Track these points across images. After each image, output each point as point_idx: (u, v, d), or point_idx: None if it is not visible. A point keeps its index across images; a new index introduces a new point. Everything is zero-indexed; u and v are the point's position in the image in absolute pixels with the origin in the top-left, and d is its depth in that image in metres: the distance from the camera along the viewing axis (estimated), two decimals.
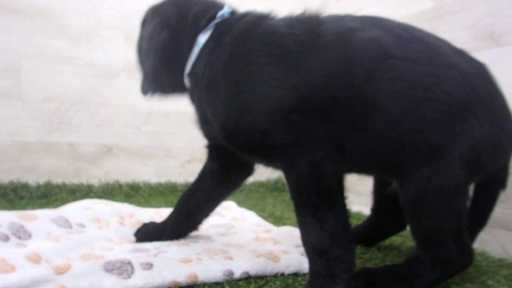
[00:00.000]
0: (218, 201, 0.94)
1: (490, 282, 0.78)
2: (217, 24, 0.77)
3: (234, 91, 0.69)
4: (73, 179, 1.50)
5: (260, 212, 1.32)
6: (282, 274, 0.78)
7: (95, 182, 1.53)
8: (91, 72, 1.52)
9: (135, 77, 1.58)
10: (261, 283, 0.73)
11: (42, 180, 1.44)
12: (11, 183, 1.38)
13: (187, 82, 0.81)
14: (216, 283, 0.72)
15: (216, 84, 0.71)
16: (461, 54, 0.75)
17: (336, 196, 0.68)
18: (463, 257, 0.73)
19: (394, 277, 0.72)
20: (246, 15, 0.77)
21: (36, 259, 0.70)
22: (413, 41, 0.70)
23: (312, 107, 0.67)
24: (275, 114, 0.66)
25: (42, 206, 1.28)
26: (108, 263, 0.69)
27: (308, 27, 0.70)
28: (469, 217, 0.81)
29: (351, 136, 0.69)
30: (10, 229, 0.77)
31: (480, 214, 0.83)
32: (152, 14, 0.85)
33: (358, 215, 1.33)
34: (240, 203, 1.39)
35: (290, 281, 0.75)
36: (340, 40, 0.68)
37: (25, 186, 1.39)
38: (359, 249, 0.96)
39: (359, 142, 0.69)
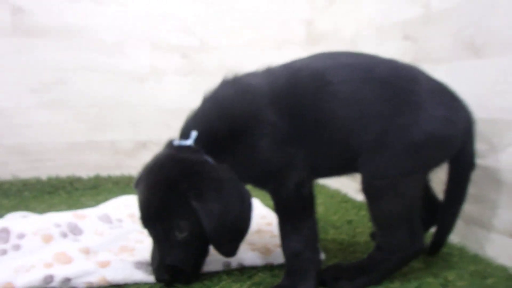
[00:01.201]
0: None
1: (451, 277, 0.90)
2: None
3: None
4: (115, 171, 1.78)
5: (267, 200, 1.50)
6: (272, 265, 0.98)
7: (134, 172, 1.79)
8: (124, 78, 1.75)
9: (161, 81, 1.81)
10: (253, 272, 0.93)
11: (91, 173, 1.73)
12: (68, 177, 1.68)
13: None
14: (217, 272, 0.93)
15: None
16: (392, 64, 0.90)
17: (310, 209, 0.87)
18: (414, 244, 0.85)
19: (357, 270, 0.87)
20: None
21: (86, 251, 0.94)
22: (346, 65, 0.87)
23: (290, 137, 0.85)
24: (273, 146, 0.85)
25: (92, 196, 1.57)
26: (138, 263, 0.91)
27: (266, 79, 0.88)
28: (445, 201, 0.95)
29: (318, 153, 0.87)
30: (68, 227, 1.03)
31: (454, 197, 0.94)
32: (206, 185, 0.80)
33: (360, 204, 1.48)
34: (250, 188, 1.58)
35: (276, 271, 0.94)
36: (291, 81, 0.87)
37: (79, 180, 1.68)
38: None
39: (324, 155, 0.87)
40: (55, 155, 1.68)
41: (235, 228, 0.81)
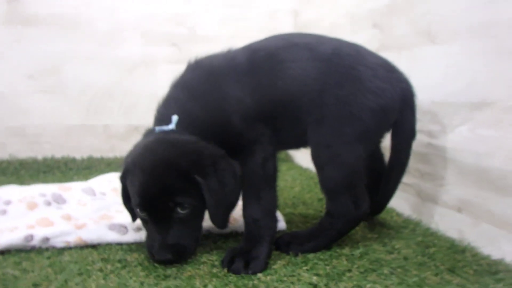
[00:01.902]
0: None
1: (398, 245, 0.98)
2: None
3: None
4: (109, 154, 1.88)
5: None
6: (237, 232, 1.07)
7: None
8: (116, 66, 1.85)
9: (152, 69, 1.90)
10: (217, 238, 1.03)
11: (85, 155, 1.84)
12: (63, 158, 1.79)
13: None
14: None
15: None
16: (336, 43, 0.97)
17: (272, 181, 0.95)
18: (358, 209, 0.92)
19: (307, 236, 0.95)
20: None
21: (67, 218, 1.05)
22: (295, 44, 0.95)
23: (256, 114, 0.93)
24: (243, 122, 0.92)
25: (84, 175, 1.67)
26: (112, 225, 1.01)
27: (228, 60, 0.95)
28: (387, 168, 1.02)
29: (278, 129, 0.95)
30: (52, 197, 1.13)
31: (395, 164, 1.01)
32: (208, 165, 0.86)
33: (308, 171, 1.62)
34: None
35: (239, 237, 1.03)
36: (250, 61, 0.95)
37: (73, 160, 1.79)
38: None
39: (282, 130, 0.96)
40: (51, 138, 1.79)
41: (229, 201, 0.87)
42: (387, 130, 0.98)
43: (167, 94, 0.98)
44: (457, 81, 1.02)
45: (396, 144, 0.99)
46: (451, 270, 0.87)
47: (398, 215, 1.22)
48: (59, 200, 1.13)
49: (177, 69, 1.92)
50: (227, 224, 0.89)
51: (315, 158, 0.93)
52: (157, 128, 0.92)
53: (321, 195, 1.43)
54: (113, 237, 0.98)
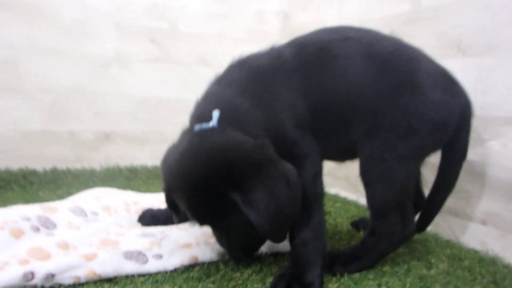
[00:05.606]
0: None
1: (433, 260, 0.96)
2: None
3: None
4: (75, 164, 1.63)
5: None
6: (266, 254, 0.96)
7: (96, 166, 1.66)
8: (85, 62, 1.60)
9: (127, 67, 1.70)
10: (251, 261, 0.91)
11: (47, 166, 1.57)
12: (21, 170, 1.50)
13: None
14: (213, 262, 0.89)
15: None
16: (394, 42, 0.91)
17: (321, 199, 0.86)
18: (405, 230, 0.88)
19: (350, 255, 0.89)
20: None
21: (65, 246, 0.85)
22: (349, 38, 0.87)
23: (308, 120, 0.84)
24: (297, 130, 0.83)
25: (51, 190, 1.42)
26: (127, 252, 0.85)
27: (274, 59, 0.86)
28: (434, 186, 0.97)
29: (326, 137, 0.88)
30: (39, 221, 0.92)
31: (443, 183, 0.96)
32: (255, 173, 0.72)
33: (335, 197, 1.52)
34: None
35: (271, 259, 0.93)
36: (299, 59, 0.86)
37: (34, 173, 1.51)
38: None
39: (331, 138, 0.89)
40: (5, 145, 1.50)
41: (285, 213, 0.73)
42: (439, 147, 0.92)
43: (206, 90, 0.86)
44: (488, 95, 1.03)
45: (445, 163, 0.94)
46: (495, 283, 0.86)
47: None
48: (47, 224, 0.93)
49: (156, 68, 1.76)
50: (285, 236, 0.79)
51: (363, 171, 0.87)
52: (197, 127, 0.78)
53: (326, 209, 1.37)
54: (131, 267, 0.81)
